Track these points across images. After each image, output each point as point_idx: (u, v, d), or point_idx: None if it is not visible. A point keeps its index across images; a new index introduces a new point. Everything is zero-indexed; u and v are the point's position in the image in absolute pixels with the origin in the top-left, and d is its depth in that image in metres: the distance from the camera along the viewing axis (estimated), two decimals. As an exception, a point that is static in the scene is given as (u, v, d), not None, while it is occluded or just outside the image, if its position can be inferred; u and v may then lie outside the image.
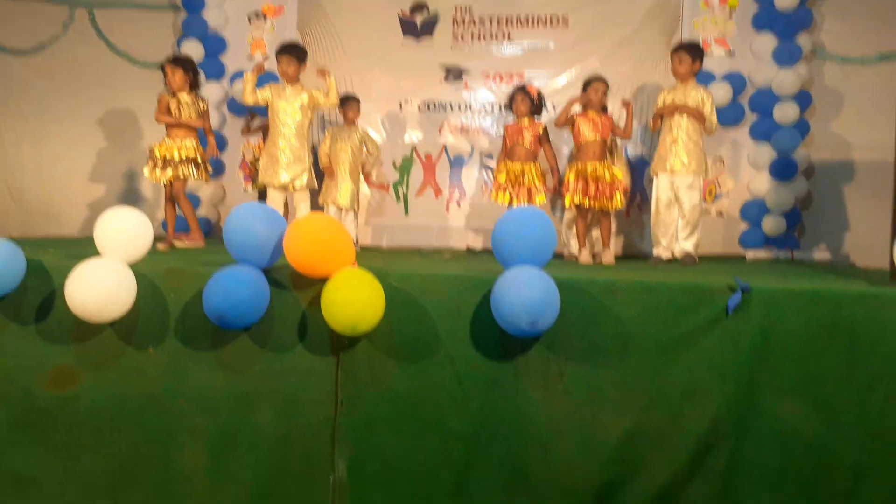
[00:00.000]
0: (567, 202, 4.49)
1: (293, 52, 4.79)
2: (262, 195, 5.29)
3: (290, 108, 4.74)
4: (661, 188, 4.49)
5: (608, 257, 4.52)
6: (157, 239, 4.58)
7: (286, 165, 4.73)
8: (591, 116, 4.56)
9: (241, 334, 2.82)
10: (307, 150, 4.82)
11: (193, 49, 5.91)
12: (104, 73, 6.18)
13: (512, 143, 4.82)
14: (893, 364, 2.50)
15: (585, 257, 4.51)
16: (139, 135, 6.06)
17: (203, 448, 2.80)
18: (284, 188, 4.79)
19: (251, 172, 5.65)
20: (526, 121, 4.82)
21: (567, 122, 4.66)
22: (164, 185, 4.67)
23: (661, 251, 4.47)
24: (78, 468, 2.84)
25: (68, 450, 2.85)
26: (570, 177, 4.47)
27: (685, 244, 4.42)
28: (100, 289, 2.66)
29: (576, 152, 4.64)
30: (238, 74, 6.01)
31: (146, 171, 4.62)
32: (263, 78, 5.07)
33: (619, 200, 4.45)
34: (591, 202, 4.41)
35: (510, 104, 4.93)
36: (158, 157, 4.56)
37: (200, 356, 2.83)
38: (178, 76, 4.65)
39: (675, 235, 4.44)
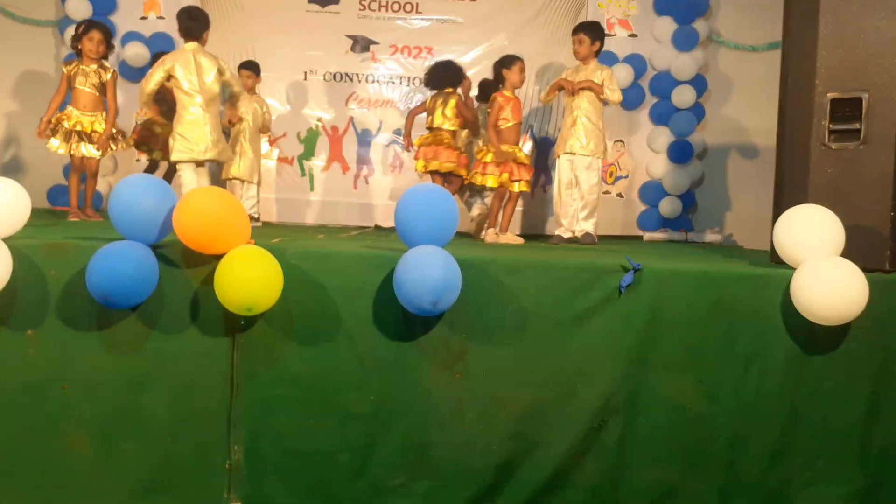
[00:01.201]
0: (490, 182, 4.41)
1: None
2: (152, 167, 5.07)
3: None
4: (562, 169, 4.57)
5: (511, 237, 4.57)
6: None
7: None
8: (512, 98, 4.55)
9: (129, 314, 2.66)
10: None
11: (80, 7, 5.50)
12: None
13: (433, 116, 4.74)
14: (768, 341, 2.65)
15: (492, 236, 4.54)
16: (20, 98, 5.61)
17: (89, 437, 2.64)
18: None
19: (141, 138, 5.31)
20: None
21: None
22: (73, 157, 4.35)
23: (562, 231, 4.57)
24: (-52, 463, 2.63)
25: (-64, 444, 2.63)
26: (488, 158, 4.40)
27: (585, 224, 4.53)
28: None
29: (499, 135, 4.58)
30: (130, 36, 5.64)
31: (53, 143, 4.29)
32: None
33: (526, 183, 4.48)
34: (510, 185, 4.40)
35: (446, 79, 4.80)
36: (68, 128, 4.25)
37: (85, 338, 2.66)
38: (97, 43, 4.35)
39: (575, 216, 4.54)
